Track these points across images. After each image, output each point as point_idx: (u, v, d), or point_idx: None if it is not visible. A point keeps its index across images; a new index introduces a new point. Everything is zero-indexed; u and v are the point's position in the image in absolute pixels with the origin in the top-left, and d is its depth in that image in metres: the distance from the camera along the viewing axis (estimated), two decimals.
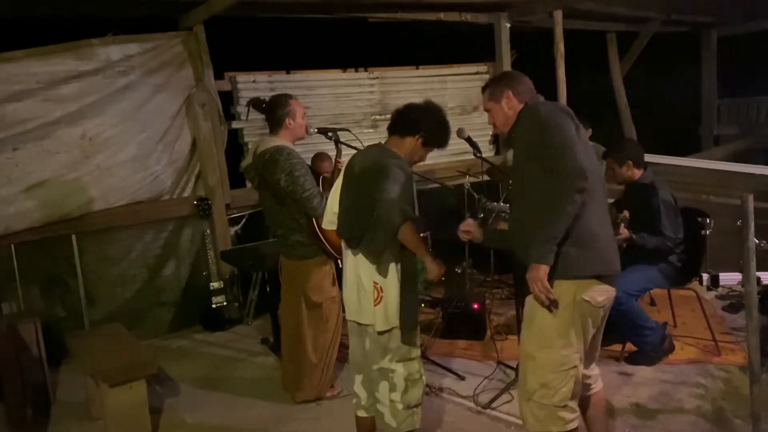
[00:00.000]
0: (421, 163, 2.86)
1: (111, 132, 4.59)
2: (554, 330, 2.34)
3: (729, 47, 9.22)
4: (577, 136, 2.33)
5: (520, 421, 3.22)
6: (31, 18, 4.48)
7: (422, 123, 2.65)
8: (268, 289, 4.63)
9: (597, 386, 2.64)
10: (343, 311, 3.41)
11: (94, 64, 4.45)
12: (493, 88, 2.62)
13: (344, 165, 2.76)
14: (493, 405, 3.41)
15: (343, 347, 4.19)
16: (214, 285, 4.96)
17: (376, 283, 2.56)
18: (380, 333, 2.58)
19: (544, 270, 2.26)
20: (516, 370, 3.67)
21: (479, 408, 3.39)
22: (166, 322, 5.03)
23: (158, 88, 4.77)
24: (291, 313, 3.53)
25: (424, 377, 2.73)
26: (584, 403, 2.60)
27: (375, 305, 2.57)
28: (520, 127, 2.49)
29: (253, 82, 5.34)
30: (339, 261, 3.73)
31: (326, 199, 3.23)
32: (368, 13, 5.69)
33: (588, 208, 2.28)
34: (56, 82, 4.32)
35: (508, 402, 3.43)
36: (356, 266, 2.62)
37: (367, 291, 2.58)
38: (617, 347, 3.82)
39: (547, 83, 6.26)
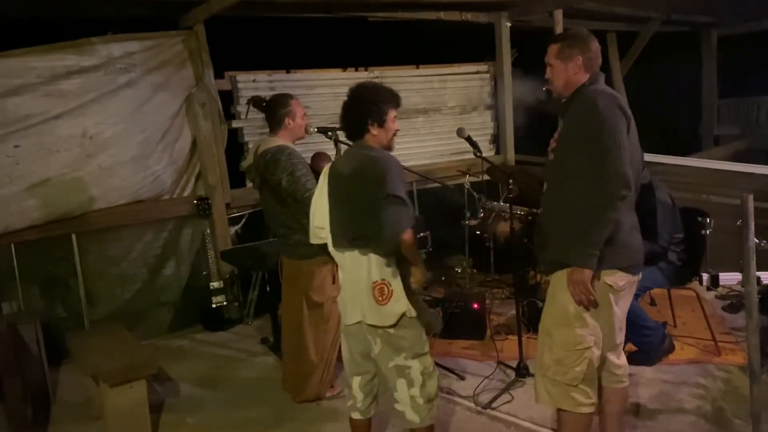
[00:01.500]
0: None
1: (112, 131, 4.58)
2: (573, 310, 2.41)
3: (729, 47, 9.22)
4: (627, 134, 2.33)
5: (520, 421, 3.25)
6: (31, 18, 4.47)
7: (366, 113, 2.57)
8: (268, 289, 4.62)
9: (625, 381, 2.66)
10: None
11: (94, 60, 4.44)
12: (565, 46, 2.49)
13: (326, 175, 2.69)
14: (493, 405, 3.41)
15: None
16: (214, 285, 4.96)
17: (384, 280, 2.54)
18: (392, 326, 2.56)
19: (588, 274, 2.33)
20: (516, 370, 3.68)
21: (479, 408, 3.39)
22: (166, 322, 5.03)
23: (158, 88, 4.77)
24: (292, 313, 3.53)
25: (436, 369, 2.74)
26: (608, 395, 2.63)
27: (384, 303, 2.54)
28: (574, 110, 2.47)
29: (253, 81, 5.34)
30: None
31: None
32: (368, 12, 5.69)
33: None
34: (57, 77, 4.31)
35: (508, 402, 3.43)
36: (358, 268, 2.59)
37: (369, 291, 2.55)
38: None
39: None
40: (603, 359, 2.56)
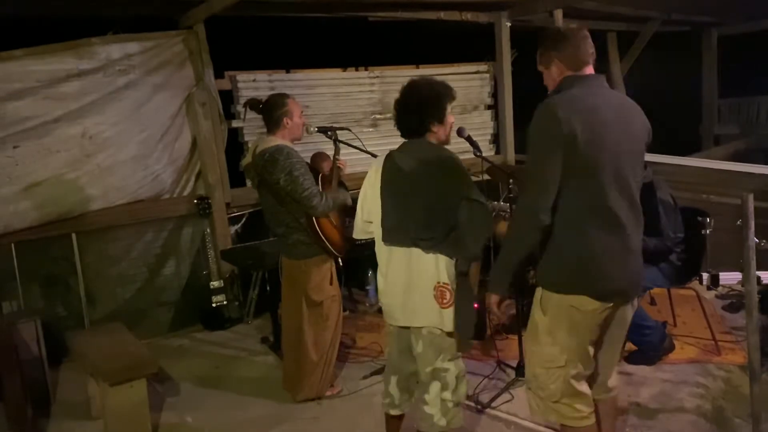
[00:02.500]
0: None
1: (111, 131, 4.59)
2: (542, 327, 2.34)
3: (729, 47, 9.21)
4: (575, 151, 2.09)
5: (520, 421, 3.25)
6: (31, 18, 4.47)
7: (426, 112, 2.54)
8: (268, 288, 4.63)
9: (614, 390, 2.58)
10: (340, 313, 3.39)
11: (94, 63, 4.44)
12: (541, 49, 2.35)
13: (379, 166, 2.61)
14: (493, 404, 3.41)
15: (343, 346, 4.21)
16: (215, 284, 4.96)
17: (447, 284, 2.50)
18: (448, 334, 2.56)
19: (495, 299, 2.33)
20: (516, 369, 3.68)
21: (479, 407, 3.39)
22: (167, 322, 5.03)
23: (158, 87, 4.77)
24: (291, 312, 3.53)
25: (466, 374, 2.75)
26: (599, 406, 2.55)
27: (444, 307, 2.51)
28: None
29: (253, 81, 5.34)
30: (339, 260, 3.75)
31: (325, 197, 3.25)
32: (368, 12, 5.69)
33: (586, 223, 2.17)
34: (56, 80, 4.31)
35: (508, 401, 3.43)
36: (409, 267, 2.53)
37: (429, 292, 2.51)
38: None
39: None
40: (593, 376, 2.46)
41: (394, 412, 2.82)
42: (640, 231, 2.30)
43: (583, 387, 2.38)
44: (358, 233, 2.76)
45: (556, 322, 2.29)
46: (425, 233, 2.46)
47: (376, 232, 2.63)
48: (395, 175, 2.54)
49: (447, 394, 2.62)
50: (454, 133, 2.74)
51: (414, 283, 2.53)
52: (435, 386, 2.61)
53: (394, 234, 2.54)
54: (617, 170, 2.17)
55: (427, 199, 2.46)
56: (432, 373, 2.61)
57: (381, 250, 2.62)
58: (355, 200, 2.86)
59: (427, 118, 2.53)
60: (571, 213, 2.17)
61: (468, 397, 3.47)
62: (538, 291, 2.35)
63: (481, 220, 2.44)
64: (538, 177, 2.16)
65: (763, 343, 2.96)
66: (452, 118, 2.61)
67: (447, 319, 2.53)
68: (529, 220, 2.17)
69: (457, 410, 2.67)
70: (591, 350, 2.36)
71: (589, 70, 2.29)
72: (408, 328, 2.63)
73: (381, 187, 2.58)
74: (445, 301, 2.51)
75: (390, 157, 2.59)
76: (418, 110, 2.53)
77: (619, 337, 2.47)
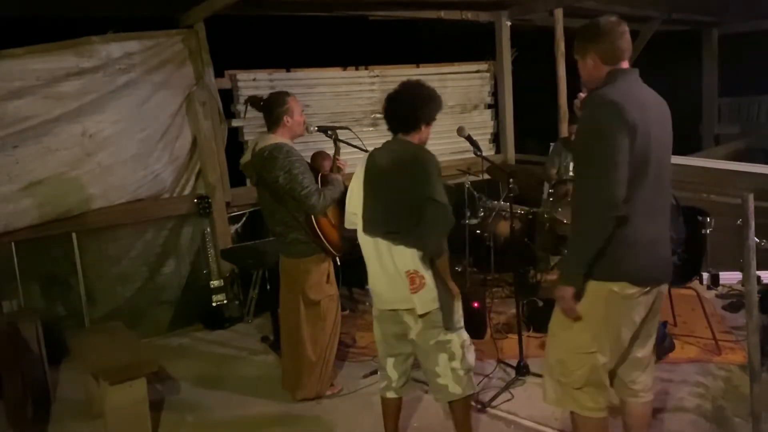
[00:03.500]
0: None
1: (111, 130, 4.58)
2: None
3: (730, 46, 9.21)
4: (632, 145, 2.15)
5: (520, 420, 3.25)
6: (31, 18, 4.47)
7: (421, 112, 2.69)
8: (268, 287, 4.63)
9: (644, 397, 2.56)
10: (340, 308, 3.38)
11: (94, 62, 4.44)
12: (579, 40, 2.38)
13: (364, 162, 2.76)
14: (494, 404, 3.41)
15: (343, 345, 4.21)
16: (215, 283, 4.96)
17: (416, 271, 2.62)
18: (421, 316, 2.67)
19: (569, 291, 2.29)
20: (516, 369, 3.68)
21: (479, 407, 3.39)
22: (167, 321, 5.03)
23: (158, 86, 4.76)
24: (289, 312, 3.53)
25: (473, 343, 2.85)
26: (628, 409, 2.58)
27: (413, 292, 2.63)
28: (584, 112, 2.36)
29: (254, 80, 5.34)
30: (337, 259, 3.75)
31: (324, 197, 3.25)
32: (369, 11, 5.69)
33: (633, 213, 2.21)
34: (57, 79, 4.31)
35: (508, 401, 3.43)
36: (385, 256, 2.67)
37: (403, 279, 2.64)
38: None
39: (547, 82, 6.27)
40: (615, 370, 2.47)
41: (390, 395, 2.92)
42: (669, 220, 2.42)
43: (607, 379, 2.41)
44: (347, 223, 2.90)
45: (592, 308, 2.29)
46: (391, 227, 2.64)
47: (358, 223, 2.78)
48: (374, 171, 2.71)
49: (456, 363, 2.73)
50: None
51: (392, 270, 2.67)
52: (443, 357, 2.72)
53: (370, 225, 2.72)
54: (659, 162, 2.27)
55: (395, 195, 2.62)
56: (437, 346, 2.72)
57: (364, 239, 2.76)
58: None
59: (420, 117, 2.69)
60: (628, 202, 2.20)
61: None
62: None
63: (442, 221, 2.57)
64: (611, 166, 2.14)
65: (763, 342, 2.96)
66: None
67: (418, 302, 2.64)
68: (607, 211, 2.15)
69: (469, 377, 2.78)
70: (625, 343, 2.39)
71: (625, 64, 2.33)
72: (397, 311, 2.75)
73: (363, 181, 2.75)
74: (413, 286, 2.63)
75: (374, 154, 2.76)
76: (413, 107, 2.68)
77: (649, 331, 2.48)
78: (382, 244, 2.67)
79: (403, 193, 2.59)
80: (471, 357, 2.80)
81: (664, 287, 2.46)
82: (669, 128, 2.37)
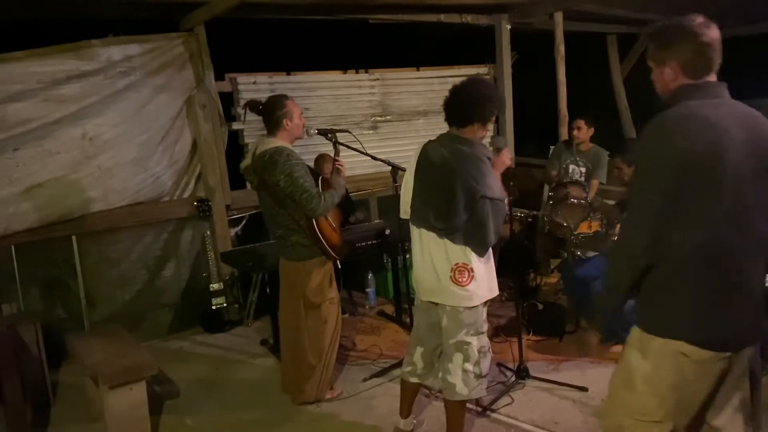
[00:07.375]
0: None
1: (112, 133, 4.58)
2: (641, 373, 1.97)
3: (731, 49, 9.18)
4: (697, 191, 1.78)
5: (520, 423, 3.24)
6: (32, 21, 4.48)
7: (481, 109, 2.71)
8: (268, 290, 4.62)
9: None
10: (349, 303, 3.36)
11: (95, 65, 4.44)
12: (654, 47, 1.98)
13: (417, 154, 2.80)
14: (494, 407, 3.40)
15: (343, 349, 4.20)
16: (214, 286, 4.96)
17: (466, 264, 2.67)
18: (469, 309, 2.73)
19: (594, 340, 2.20)
20: (515, 372, 3.67)
21: (479, 410, 3.38)
22: (166, 324, 5.03)
23: (159, 89, 4.77)
24: (290, 315, 3.52)
25: (491, 350, 2.91)
26: None
27: (462, 285, 2.68)
28: (640, 135, 1.98)
29: (254, 83, 5.34)
30: (338, 262, 3.74)
31: (324, 200, 3.26)
32: (369, 14, 5.69)
33: (698, 262, 1.84)
34: (57, 82, 4.31)
35: (508, 404, 3.43)
36: (427, 248, 2.74)
37: (447, 273, 2.69)
38: (618, 349, 3.80)
39: (547, 85, 6.28)
40: None
41: (413, 380, 3.01)
42: (759, 268, 1.92)
43: None
44: (402, 213, 2.97)
45: (660, 371, 1.94)
46: (439, 223, 2.67)
47: (409, 213, 2.86)
48: (424, 165, 2.74)
49: (469, 366, 2.79)
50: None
51: (437, 262, 2.72)
52: (458, 357, 2.79)
53: (418, 217, 2.77)
54: (737, 198, 1.81)
55: (445, 192, 2.63)
56: (455, 345, 2.78)
57: (412, 229, 2.84)
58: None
59: (477, 115, 2.69)
60: (678, 248, 1.84)
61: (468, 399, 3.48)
62: (635, 331, 2.01)
63: (499, 216, 2.67)
64: (636, 208, 1.88)
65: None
66: (490, 129, 2.83)
67: (466, 297, 2.70)
68: (623, 260, 1.93)
69: (479, 382, 2.83)
70: (695, 409, 2.02)
71: (712, 77, 1.92)
72: (436, 303, 2.81)
73: (414, 173, 2.79)
74: (462, 280, 2.68)
75: (427, 147, 2.79)
76: (475, 103, 2.70)
77: (737, 400, 2.11)
78: (426, 235, 2.73)
79: (454, 191, 2.60)
80: (486, 363, 2.85)
81: (749, 351, 2.02)
82: (763, 152, 1.86)
